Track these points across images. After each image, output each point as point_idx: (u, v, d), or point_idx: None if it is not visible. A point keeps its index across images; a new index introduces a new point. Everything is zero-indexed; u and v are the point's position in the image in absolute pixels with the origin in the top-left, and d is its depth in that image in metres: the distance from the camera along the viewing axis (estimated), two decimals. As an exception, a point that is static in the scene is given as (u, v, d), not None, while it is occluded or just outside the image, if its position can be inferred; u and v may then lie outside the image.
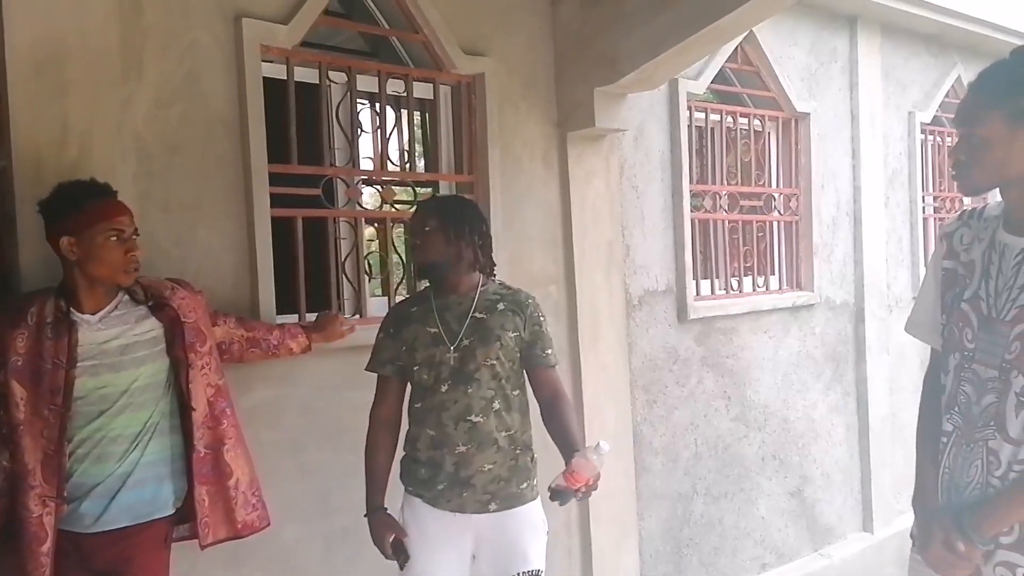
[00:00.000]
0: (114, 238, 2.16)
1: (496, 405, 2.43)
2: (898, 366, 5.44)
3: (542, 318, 2.53)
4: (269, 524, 2.51)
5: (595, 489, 2.26)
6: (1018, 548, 1.75)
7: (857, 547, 5.13)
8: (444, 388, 2.43)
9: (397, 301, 2.84)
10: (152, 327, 2.27)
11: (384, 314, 2.67)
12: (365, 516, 2.48)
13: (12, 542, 2.16)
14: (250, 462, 2.47)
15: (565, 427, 2.44)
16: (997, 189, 1.83)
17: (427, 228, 2.47)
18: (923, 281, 2.08)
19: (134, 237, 2.21)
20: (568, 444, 2.38)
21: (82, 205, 2.14)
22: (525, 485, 2.47)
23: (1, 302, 2.21)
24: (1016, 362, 1.73)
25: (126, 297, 2.27)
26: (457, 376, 2.42)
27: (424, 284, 2.64)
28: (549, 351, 2.51)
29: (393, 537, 2.42)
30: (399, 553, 2.41)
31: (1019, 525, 1.75)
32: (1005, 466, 1.75)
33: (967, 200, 5.33)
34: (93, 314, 2.20)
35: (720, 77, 4.48)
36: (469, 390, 2.41)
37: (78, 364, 2.14)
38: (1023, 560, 1.74)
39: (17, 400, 2.12)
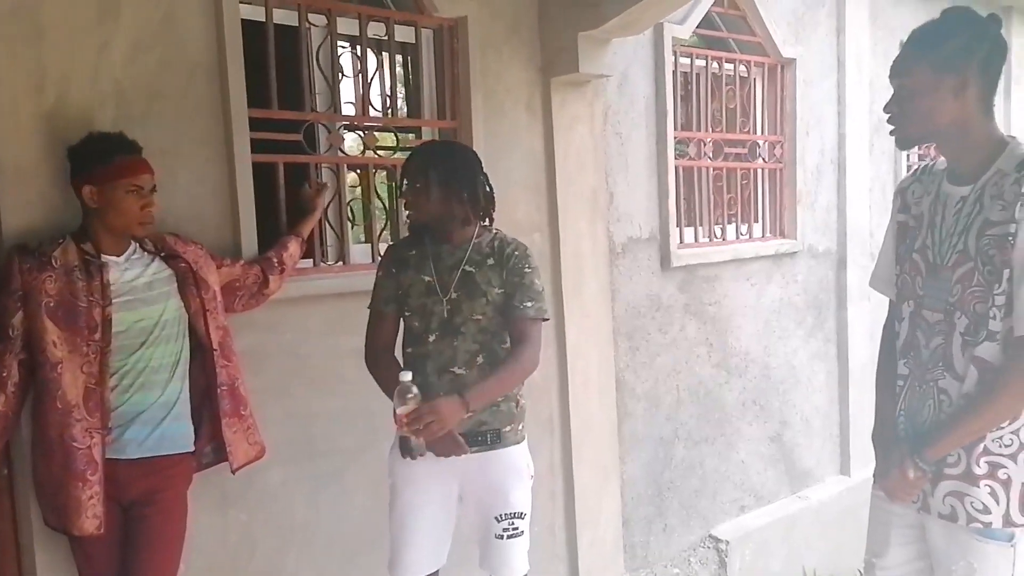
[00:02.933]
0: (133, 193, 2.31)
1: (480, 359, 2.44)
2: (879, 314, 5.41)
3: (527, 269, 2.47)
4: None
5: (418, 428, 2.20)
6: (966, 478, 1.86)
7: (835, 490, 5.23)
8: (432, 338, 2.45)
9: (391, 243, 2.84)
10: (162, 268, 2.43)
11: (369, 259, 2.68)
12: None
13: (60, 485, 2.26)
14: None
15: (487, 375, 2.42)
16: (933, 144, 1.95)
17: (417, 185, 2.44)
18: (884, 237, 2.17)
19: (152, 194, 2.35)
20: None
21: (109, 159, 2.28)
22: (508, 428, 2.50)
23: (19, 249, 2.28)
24: (959, 304, 1.85)
25: (136, 245, 2.42)
26: (446, 327, 2.44)
27: None
28: (528, 303, 2.45)
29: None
30: None
31: (966, 456, 1.86)
32: (955, 403, 1.88)
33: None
34: (118, 256, 2.35)
35: (706, 22, 4.43)
36: (455, 343, 2.43)
37: (113, 301, 2.30)
38: (970, 489, 1.86)
39: (53, 339, 2.23)
